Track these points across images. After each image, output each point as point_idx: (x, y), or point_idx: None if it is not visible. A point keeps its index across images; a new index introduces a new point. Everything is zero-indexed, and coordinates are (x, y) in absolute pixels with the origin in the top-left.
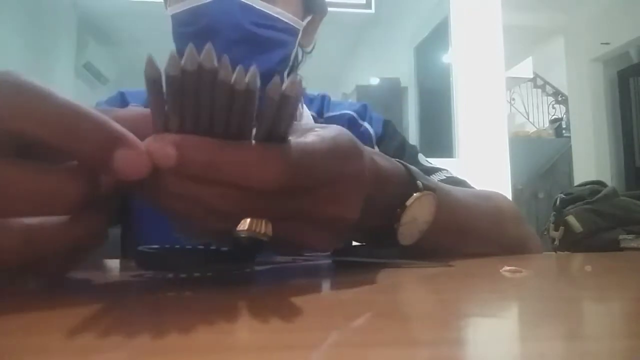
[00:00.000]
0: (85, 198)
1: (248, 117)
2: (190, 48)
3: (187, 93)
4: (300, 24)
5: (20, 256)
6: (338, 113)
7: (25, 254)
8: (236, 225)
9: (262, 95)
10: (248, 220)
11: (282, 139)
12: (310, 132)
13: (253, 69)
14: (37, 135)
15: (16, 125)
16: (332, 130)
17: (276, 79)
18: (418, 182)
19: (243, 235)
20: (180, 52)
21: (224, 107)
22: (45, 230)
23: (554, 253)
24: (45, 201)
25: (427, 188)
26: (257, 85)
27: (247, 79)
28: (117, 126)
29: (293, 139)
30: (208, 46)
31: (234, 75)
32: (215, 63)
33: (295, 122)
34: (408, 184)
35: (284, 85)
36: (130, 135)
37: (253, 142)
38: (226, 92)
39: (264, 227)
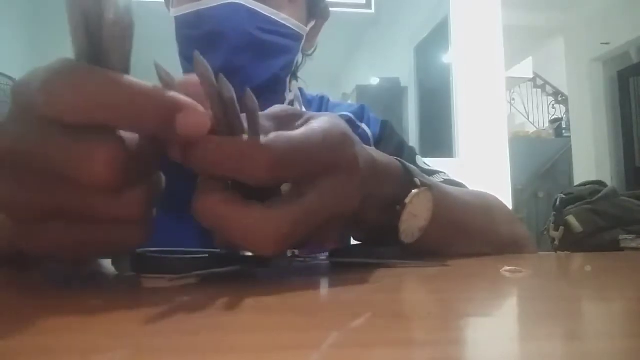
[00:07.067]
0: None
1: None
2: (221, 78)
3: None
4: (304, 30)
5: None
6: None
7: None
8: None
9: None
10: None
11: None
12: (307, 123)
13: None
14: (109, 122)
15: (91, 116)
16: (324, 122)
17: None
18: (415, 179)
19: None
20: (183, 54)
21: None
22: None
23: (554, 253)
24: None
25: (423, 185)
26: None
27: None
28: (172, 95)
29: (282, 131)
30: (221, 78)
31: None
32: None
33: (291, 108)
34: (405, 181)
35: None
36: (184, 99)
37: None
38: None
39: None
